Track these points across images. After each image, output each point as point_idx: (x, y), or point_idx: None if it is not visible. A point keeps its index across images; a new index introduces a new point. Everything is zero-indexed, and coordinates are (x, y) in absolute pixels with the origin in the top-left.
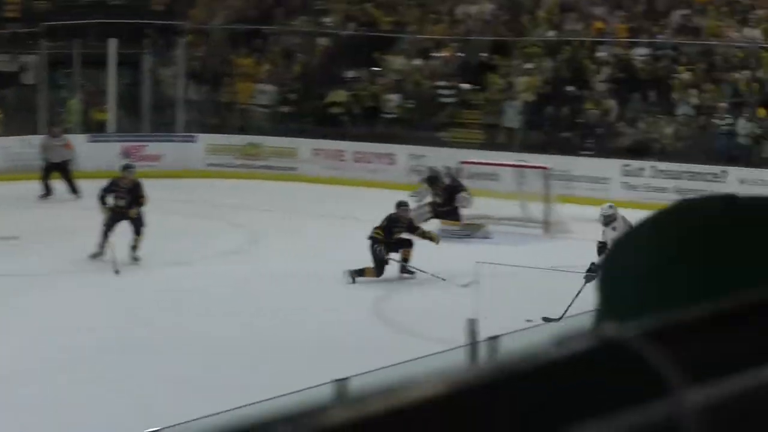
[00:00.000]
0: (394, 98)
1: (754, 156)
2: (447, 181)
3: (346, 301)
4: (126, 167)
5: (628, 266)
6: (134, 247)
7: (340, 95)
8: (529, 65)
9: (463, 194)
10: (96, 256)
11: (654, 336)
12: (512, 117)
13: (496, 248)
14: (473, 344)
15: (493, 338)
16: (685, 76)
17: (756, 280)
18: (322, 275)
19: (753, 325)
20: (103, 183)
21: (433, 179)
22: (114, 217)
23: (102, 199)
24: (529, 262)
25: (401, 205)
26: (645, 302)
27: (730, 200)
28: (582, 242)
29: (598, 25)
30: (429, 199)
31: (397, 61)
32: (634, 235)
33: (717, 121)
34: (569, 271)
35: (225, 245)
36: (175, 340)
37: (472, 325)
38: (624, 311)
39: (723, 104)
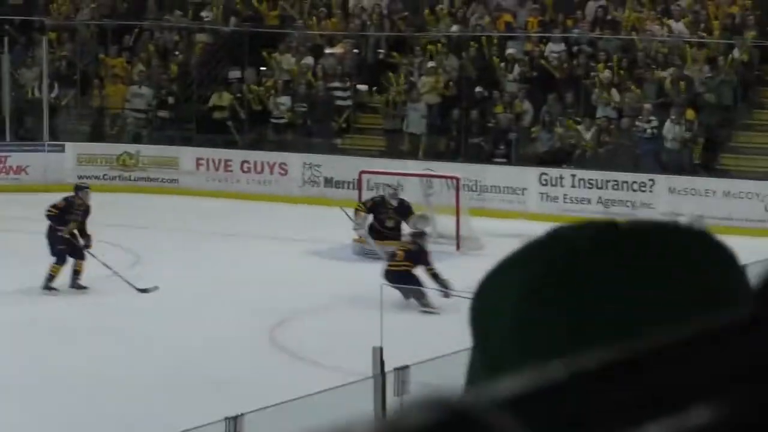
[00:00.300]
0: (283, 101)
1: (684, 162)
2: (394, 203)
3: (242, 326)
4: (80, 187)
5: (494, 306)
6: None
7: (224, 98)
8: (431, 64)
9: (417, 215)
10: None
11: (512, 404)
12: (416, 121)
13: None
14: (379, 375)
15: (401, 369)
16: (605, 74)
17: (625, 323)
18: (213, 297)
19: (629, 382)
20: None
21: (378, 203)
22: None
23: (64, 221)
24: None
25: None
26: (512, 351)
27: (607, 227)
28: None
29: (507, 18)
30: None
31: (285, 60)
32: (505, 268)
33: (641, 125)
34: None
35: (100, 268)
36: (53, 373)
37: (378, 354)
38: (493, 360)
39: (647, 106)
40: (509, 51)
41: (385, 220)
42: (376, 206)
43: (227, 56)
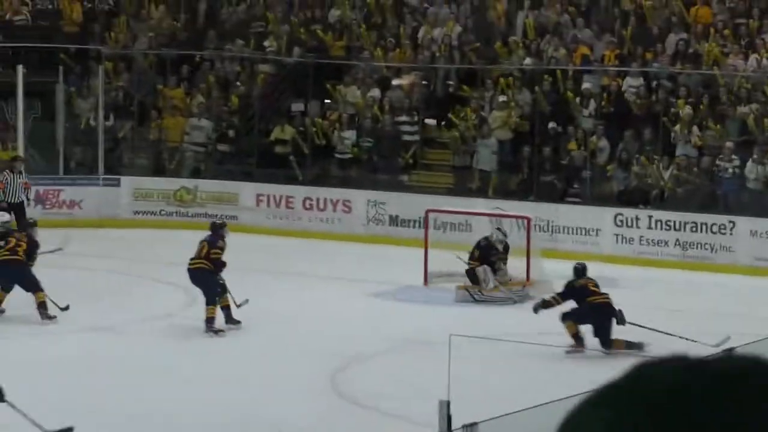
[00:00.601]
0: (348, 135)
1: (766, 204)
2: (500, 247)
3: (303, 368)
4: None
5: None
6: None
7: (286, 131)
8: (503, 98)
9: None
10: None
11: None
12: (486, 158)
13: (470, 311)
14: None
15: (470, 426)
16: (686, 110)
17: None
18: (274, 338)
19: None
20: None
21: (484, 248)
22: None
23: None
24: (512, 327)
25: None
26: None
27: (687, 364)
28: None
29: (583, 50)
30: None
31: (350, 92)
32: (589, 407)
33: (722, 164)
34: (554, 345)
35: (156, 308)
36: (91, 414)
37: (444, 408)
38: None
39: (729, 144)
40: (585, 85)
41: (495, 262)
42: (482, 253)
43: (290, 88)
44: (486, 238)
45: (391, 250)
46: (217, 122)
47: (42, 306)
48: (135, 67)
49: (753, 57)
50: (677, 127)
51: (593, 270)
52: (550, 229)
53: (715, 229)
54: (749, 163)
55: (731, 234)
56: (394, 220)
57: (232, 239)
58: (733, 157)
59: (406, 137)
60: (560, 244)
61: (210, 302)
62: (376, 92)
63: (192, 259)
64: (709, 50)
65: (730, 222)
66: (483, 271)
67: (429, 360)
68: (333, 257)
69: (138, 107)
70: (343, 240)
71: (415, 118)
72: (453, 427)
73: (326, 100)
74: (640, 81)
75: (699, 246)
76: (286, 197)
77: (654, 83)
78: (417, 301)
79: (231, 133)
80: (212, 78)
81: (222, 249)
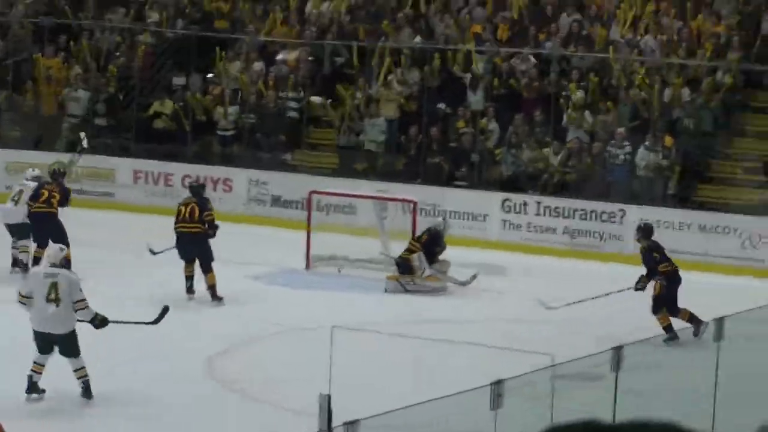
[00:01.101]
0: (231, 111)
1: (658, 192)
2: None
3: (178, 351)
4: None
5: None
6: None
7: (166, 105)
8: (391, 76)
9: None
10: None
11: None
12: (373, 138)
13: (351, 297)
14: (325, 428)
15: (352, 424)
16: (577, 94)
17: None
18: (148, 319)
19: None
20: None
21: (435, 236)
22: None
23: None
24: (394, 314)
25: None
26: None
27: (596, 428)
28: (457, 290)
29: (476, 29)
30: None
31: (233, 67)
32: None
33: (613, 150)
34: (437, 339)
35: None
36: None
37: (325, 403)
38: None
39: (620, 130)
40: (476, 66)
41: (436, 254)
42: (431, 240)
43: (172, 61)
44: (437, 229)
45: (273, 231)
46: (95, 94)
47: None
48: (10, 34)
49: (647, 39)
50: (569, 111)
51: (480, 256)
52: (436, 213)
53: (605, 217)
54: (640, 150)
55: (621, 223)
56: (276, 201)
57: (108, 216)
58: (625, 143)
59: (291, 114)
60: (446, 229)
61: (210, 269)
62: (260, 67)
63: (183, 222)
64: (602, 33)
65: (620, 210)
66: (418, 258)
67: (310, 347)
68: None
69: (13, 76)
70: (223, 220)
71: (301, 95)
72: (334, 424)
73: (209, 75)
74: (532, 63)
75: (588, 234)
76: (165, 174)
77: (546, 66)
78: (299, 285)
79: (101, 108)
80: (90, 48)
81: (212, 210)
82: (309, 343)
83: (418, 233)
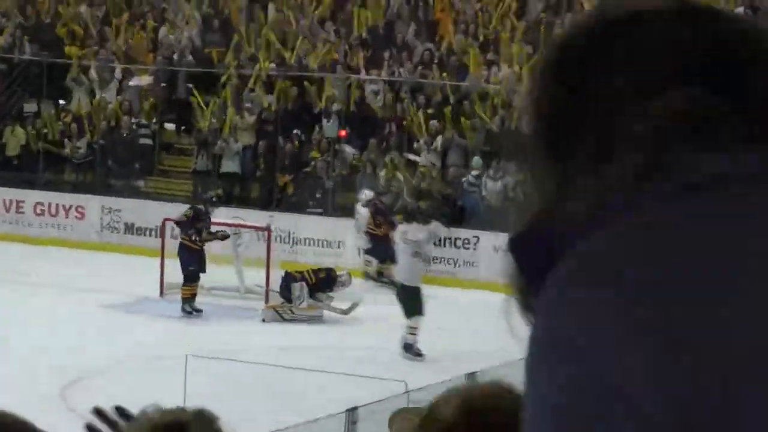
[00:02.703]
0: (80, 144)
1: (507, 219)
2: None
3: (31, 384)
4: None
5: None
6: None
7: (18, 134)
8: (247, 104)
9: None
10: None
11: None
12: (227, 163)
13: (208, 327)
14: None
15: None
16: (430, 120)
17: None
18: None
19: None
20: None
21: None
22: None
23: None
24: (251, 343)
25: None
26: None
27: None
28: (330, 318)
29: (332, 54)
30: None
31: (85, 93)
32: None
33: (468, 178)
34: (293, 367)
35: None
36: None
37: None
38: None
39: (476, 158)
40: (329, 91)
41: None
42: (326, 281)
43: (23, 87)
44: (335, 275)
45: (126, 259)
46: None
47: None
48: None
49: (502, 68)
50: (422, 137)
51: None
52: (291, 240)
53: (459, 243)
54: (485, 178)
55: (475, 249)
56: (129, 228)
57: None
58: (476, 170)
59: (143, 141)
60: (301, 256)
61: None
62: (112, 94)
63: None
64: (458, 60)
65: (474, 237)
66: (299, 288)
67: (163, 375)
68: (65, 265)
69: None
70: (75, 248)
71: (154, 122)
72: None
73: (61, 101)
74: (384, 88)
75: (443, 261)
76: (17, 201)
77: (400, 89)
78: (152, 312)
79: None
80: None
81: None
82: (164, 372)
83: (273, 260)
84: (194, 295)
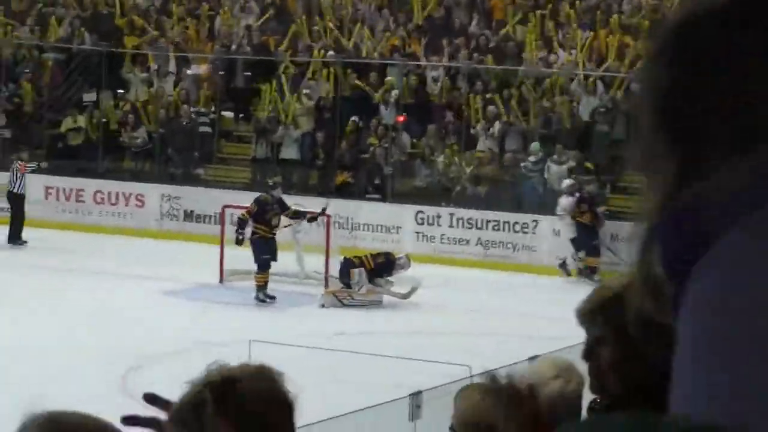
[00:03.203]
0: (138, 134)
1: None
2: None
3: (92, 369)
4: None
5: None
6: None
7: (77, 121)
8: (306, 90)
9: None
10: None
11: None
12: (287, 150)
13: (269, 313)
14: None
15: None
16: (488, 105)
17: None
18: (61, 337)
19: None
20: None
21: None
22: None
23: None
24: (311, 328)
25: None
26: None
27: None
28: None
29: (392, 41)
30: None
31: (145, 82)
32: None
33: (525, 162)
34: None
35: None
36: None
37: None
38: None
39: (534, 143)
40: (388, 78)
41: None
42: (385, 265)
43: (82, 77)
44: (393, 259)
45: (186, 246)
46: (4, 109)
47: None
48: None
49: (559, 53)
50: (479, 123)
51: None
52: (350, 226)
53: (517, 228)
54: (549, 162)
55: (533, 233)
56: (189, 216)
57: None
58: (539, 153)
59: (203, 129)
60: (360, 242)
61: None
62: (171, 82)
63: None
64: (515, 44)
65: (533, 221)
66: (358, 273)
67: (224, 361)
68: (125, 253)
69: None
70: (135, 235)
71: (212, 110)
72: None
73: (119, 90)
74: (442, 73)
75: (501, 245)
76: (77, 190)
77: (457, 75)
78: (212, 299)
79: (18, 121)
80: None
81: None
82: (225, 358)
83: (333, 246)
84: (267, 283)
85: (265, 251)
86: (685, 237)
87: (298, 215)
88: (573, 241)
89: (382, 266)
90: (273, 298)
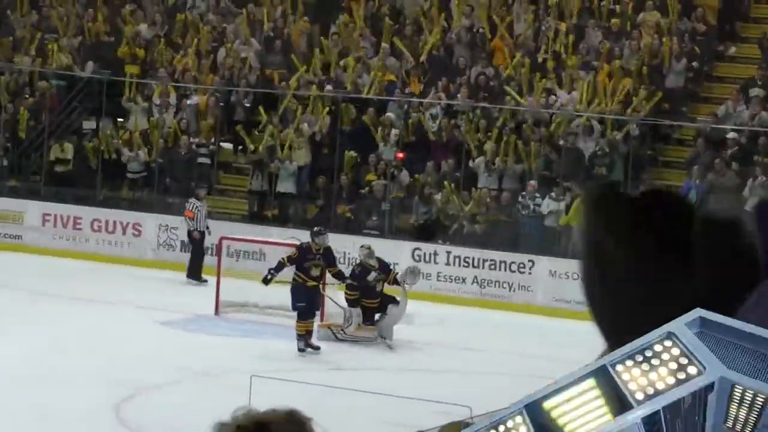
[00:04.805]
0: (140, 155)
1: (566, 243)
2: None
3: (86, 398)
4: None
5: None
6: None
7: (66, 149)
8: (304, 125)
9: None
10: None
11: None
12: (285, 184)
13: (262, 344)
14: None
15: None
16: (487, 144)
17: None
18: (55, 365)
19: None
20: None
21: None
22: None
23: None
24: (305, 362)
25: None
26: None
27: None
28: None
29: (390, 77)
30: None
31: (144, 111)
32: None
33: (524, 201)
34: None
35: None
36: None
37: None
38: None
39: (532, 182)
40: (387, 114)
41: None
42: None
43: (82, 104)
44: (360, 265)
45: (182, 276)
46: (4, 136)
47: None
48: None
49: (560, 94)
50: (478, 160)
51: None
52: (346, 261)
53: (513, 267)
54: (546, 200)
55: (530, 273)
56: (185, 246)
57: (15, 260)
58: (536, 195)
59: (201, 160)
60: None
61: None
62: (171, 112)
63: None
64: (516, 85)
65: (529, 261)
66: (349, 311)
67: (218, 392)
68: (121, 282)
69: None
70: (132, 265)
71: (211, 141)
72: None
73: (119, 119)
74: (442, 112)
75: (497, 284)
76: (74, 218)
77: (456, 115)
78: (207, 331)
79: (15, 148)
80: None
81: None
82: (218, 389)
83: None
84: (310, 332)
85: (300, 299)
86: None
87: (339, 277)
88: None
89: (377, 308)
90: (317, 348)
